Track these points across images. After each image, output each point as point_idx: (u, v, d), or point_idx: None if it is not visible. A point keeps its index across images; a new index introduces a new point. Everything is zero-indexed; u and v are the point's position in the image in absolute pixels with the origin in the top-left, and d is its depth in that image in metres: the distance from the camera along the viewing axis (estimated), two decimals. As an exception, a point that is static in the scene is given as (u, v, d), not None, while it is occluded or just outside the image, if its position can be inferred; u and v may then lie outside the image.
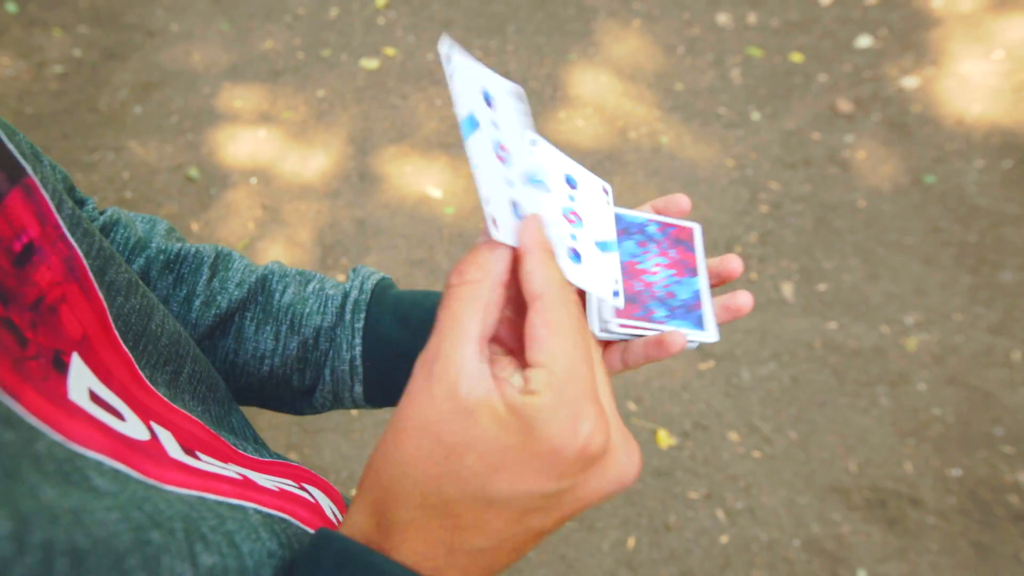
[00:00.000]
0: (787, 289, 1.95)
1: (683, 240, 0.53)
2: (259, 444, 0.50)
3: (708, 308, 0.50)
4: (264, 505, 0.37)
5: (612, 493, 0.34)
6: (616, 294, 0.45)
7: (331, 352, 0.53)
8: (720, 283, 0.51)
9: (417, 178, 2.18)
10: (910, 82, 2.30)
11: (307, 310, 0.54)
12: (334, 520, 0.44)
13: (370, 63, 2.44)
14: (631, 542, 1.60)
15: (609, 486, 0.33)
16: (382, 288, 0.55)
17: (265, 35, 2.54)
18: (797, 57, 2.40)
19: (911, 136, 2.20)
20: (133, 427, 0.34)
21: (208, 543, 0.30)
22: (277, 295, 0.55)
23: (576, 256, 0.42)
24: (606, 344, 0.50)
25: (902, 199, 2.09)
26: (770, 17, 2.50)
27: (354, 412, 1.78)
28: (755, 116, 2.28)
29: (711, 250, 2.02)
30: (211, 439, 0.42)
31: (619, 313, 0.47)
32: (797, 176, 2.15)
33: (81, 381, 0.32)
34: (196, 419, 0.42)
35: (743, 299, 0.49)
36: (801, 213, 2.08)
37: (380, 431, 1.75)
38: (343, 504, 0.50)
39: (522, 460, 0.30)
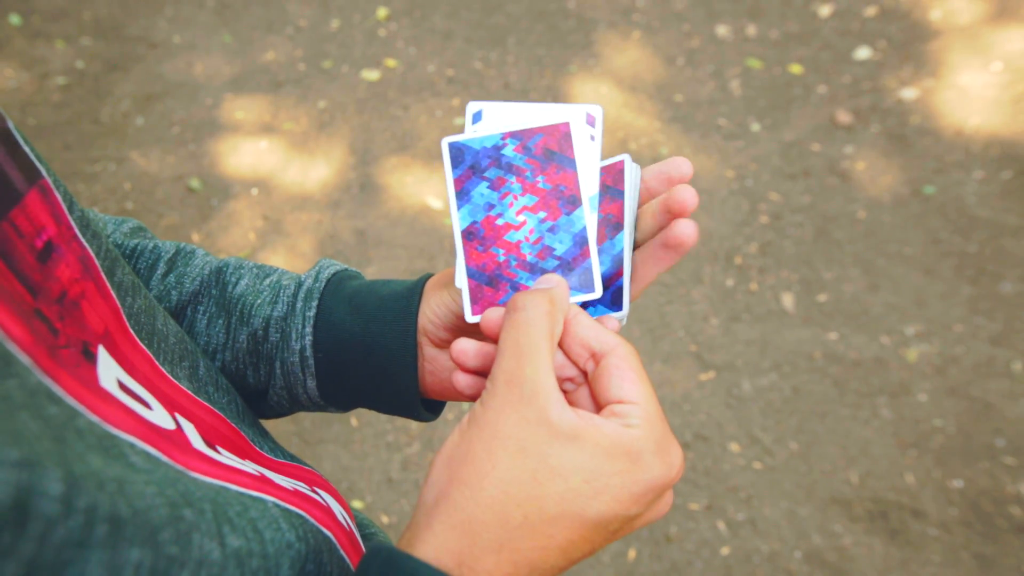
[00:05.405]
0: (787, 300, 1.95)
1: (554, 151, 0.36)
2: (274, 444, 0.50)
3: (594, 252, 0.36)
4: (282, 500, 0.38)
5: (661, 516, 0.38)
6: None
7: (281, 343, 0.50)
8: (672, 218, 0.39)
9: (418, 189, 2.18)
10: (909, 93, 2.31)
11: (258, 300, 0.51)
12: (345, 525, 0.44)
13: (371, 74, 2.46)
14: (632, 554, 1.59)
15: (664, 509, 0.37)
16: (340, 278, 0.52)
17: (267, 47, 2.55)
18: (796, 69, 2.41)
19: (910, 147, 2.21)
20: (159, 416, 0.34)
21: (234, 526, 0.31)
22: (230, 287, 0.52)
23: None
24: None
25: (902, 210, 2.09)
26: (769, 29, 2.51)
27: (354, 423, 1.77)
28: (755, 127, 2.29)
29: (711, 261, 2.02)
30: (232, 434, 0.42)
31: (476, 307, 0.38)
32: (797, 187, 2.16)
33: (109, 371, 0.32)
34: (219, 413, 0.42)
35: (686, 194, 0.39)
36: (801, 224, 2.08)
37: (380, 442, 1.75)
38: (350, 511, 0.50)
39: (623, 486, 0.34)
